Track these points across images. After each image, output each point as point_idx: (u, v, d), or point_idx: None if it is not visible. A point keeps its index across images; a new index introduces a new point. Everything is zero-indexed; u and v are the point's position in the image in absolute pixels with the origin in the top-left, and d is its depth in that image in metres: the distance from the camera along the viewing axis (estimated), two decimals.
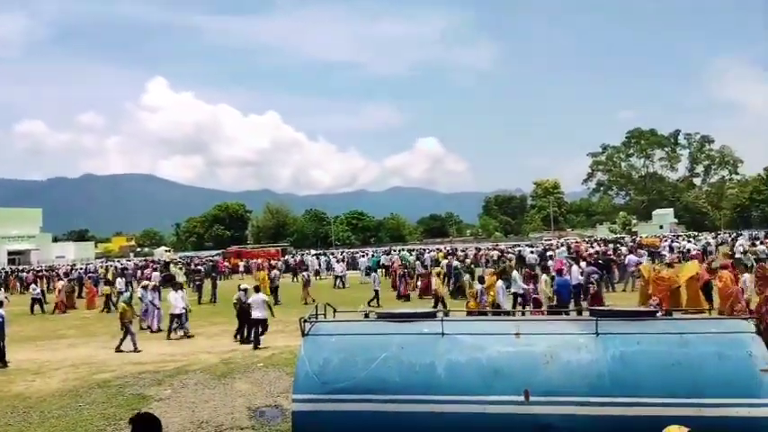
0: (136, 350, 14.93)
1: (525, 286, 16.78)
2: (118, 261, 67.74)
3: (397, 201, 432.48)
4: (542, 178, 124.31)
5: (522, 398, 4.82)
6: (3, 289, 30.98)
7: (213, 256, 66.77)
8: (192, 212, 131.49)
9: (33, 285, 28.55)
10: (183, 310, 17.19)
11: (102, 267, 48.18)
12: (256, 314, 15.27)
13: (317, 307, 6.11)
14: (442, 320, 5.44)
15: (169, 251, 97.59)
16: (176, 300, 17.13)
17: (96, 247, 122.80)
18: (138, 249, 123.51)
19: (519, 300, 16.87)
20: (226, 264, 49.03)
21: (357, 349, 5.27)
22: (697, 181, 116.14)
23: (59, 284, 27.45)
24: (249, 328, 15.68)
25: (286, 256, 56.19)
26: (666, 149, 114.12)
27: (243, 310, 15.94)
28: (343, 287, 30.32)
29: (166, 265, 45.83)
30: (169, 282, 32.31)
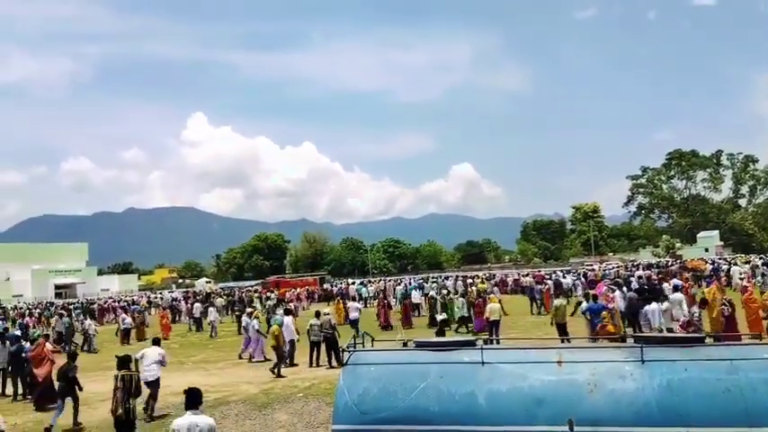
0: (279, 376, 15.30)
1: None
2: (160, 293, 69.02)
3: (433, 227, 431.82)
4: (581, 202, 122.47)
5: (566, 428, 4.70)
6: (87, 318, 32.46)
7: (253, 286, 67.50)
8: (231, 243, 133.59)
9: (124, 315, 28.91)
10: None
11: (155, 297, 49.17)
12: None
13: (354, 336, 6.11)
14: (481, 349, 5.38)
15: (210, 282, 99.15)
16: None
17: (139, 279, 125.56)
18: (180, 281, 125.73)
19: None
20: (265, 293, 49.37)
21: (396, 379, 5.24)
22: (742, 202, 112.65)
23: (161, 311, 29.91)
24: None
25: (324, 285, 56.43)
26: (709, 170, 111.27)
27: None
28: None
29: (208, 296, 46.51)
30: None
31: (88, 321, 27.07)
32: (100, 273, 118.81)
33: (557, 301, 19.15)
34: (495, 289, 35.93)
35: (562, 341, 13.51)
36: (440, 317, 22.21)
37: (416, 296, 30.19)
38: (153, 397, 11.83)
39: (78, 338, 25.43)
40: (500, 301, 21.14)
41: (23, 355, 14.19)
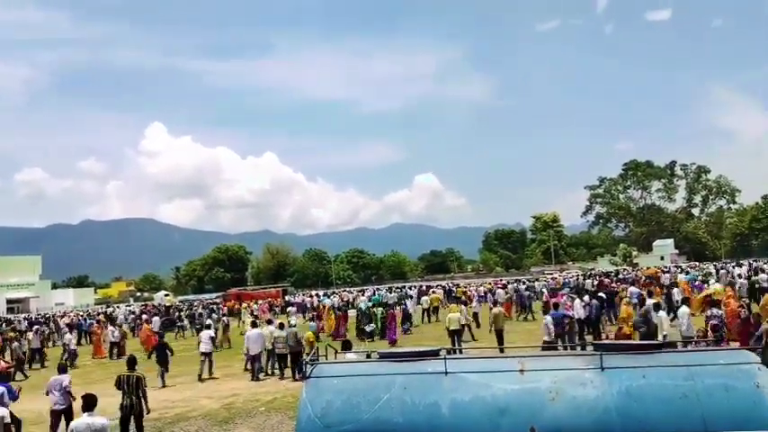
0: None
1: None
2: (118, 307, 67.24)
3: (397, 237, 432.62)
4: (541, 212, 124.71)
5: None
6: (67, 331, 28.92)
7: (214, 299, 66.37)
8: (191, 255, 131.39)
9: (112, 328, 26.92)
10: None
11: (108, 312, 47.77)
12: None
13: (317, 348, 6.04)
14: (445, 359, 5.38)
15: (168, 295, 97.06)
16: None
17: (96, 293, 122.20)
18: (138, 294, 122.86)
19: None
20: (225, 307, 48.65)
21: (360, 391, 5.19)
22: (695, 211, 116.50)
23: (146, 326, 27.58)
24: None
25: (287, 297, 55.86)
26: (663, 181, 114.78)
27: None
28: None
29: (167, 309, 45.53)
30: (169, 327, 32.11)
31: (68, 336, 25.45)
32: (54, 286, 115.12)
33: (495, 309, 19.69)
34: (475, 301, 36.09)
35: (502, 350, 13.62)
36: (368, 328, 22.24)
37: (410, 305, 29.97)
38: None
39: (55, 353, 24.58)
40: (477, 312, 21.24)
41: None
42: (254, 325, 18.34)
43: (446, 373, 5.18)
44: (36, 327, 28.97)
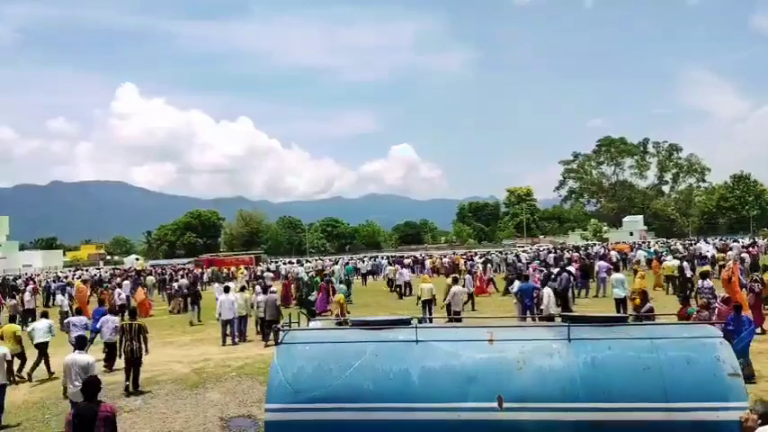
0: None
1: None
2: (86, 269, 66.38)
3: (372, 208, 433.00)
4: (515, 186, 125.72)
5: (495, 404, 4.83)
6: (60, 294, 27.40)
7: (185, 265, 65.90)
8: (163, 220, 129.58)
9: (119, 290, 25.10)
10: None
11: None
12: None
13: (290, 315, 6.06)
14: (416, 327, 5.44)
15: (139, 259, 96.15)
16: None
17: (65, 255, 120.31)
18: (108, 257, 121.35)
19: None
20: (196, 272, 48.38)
21: (331, 357, 5.23)
22: (666, 189, 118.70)
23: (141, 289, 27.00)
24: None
25: (261, 265, 55.71)
26: (636, 158, 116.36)
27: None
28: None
29: (138, 273, 45.11)
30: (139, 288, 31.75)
31: (60, 297, 24.80)
32: (22, 248, 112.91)
33: (454, 287, 17.61)
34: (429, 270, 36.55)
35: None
36: (312, 297, 22.35)
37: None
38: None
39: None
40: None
41: None
42: (226, 290, 18.29)
43: (417, 341, 5.24)
44: (32, 287, 28.38)
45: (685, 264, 23.21)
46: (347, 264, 41.44)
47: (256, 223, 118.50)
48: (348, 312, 18.46)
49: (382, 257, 51.68)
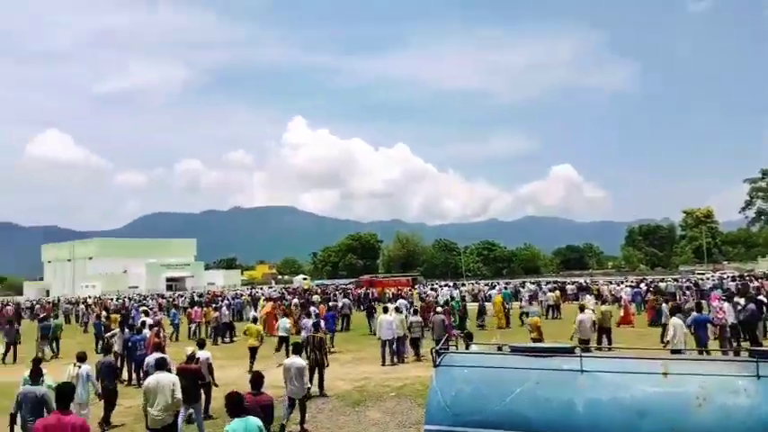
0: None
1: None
2: (260, 288, 71.93)
3: (530, 230, 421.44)
4: (693, 207, 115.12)
5: None
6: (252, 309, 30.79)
7: (346, 285, 68.87)
8: (328, 242, 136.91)
9: (313, 308, 24.73)
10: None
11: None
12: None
13: (447, 338, 6.09)
14: (580, 356, 5.20)
15: (306, 279, 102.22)
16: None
17: (242, 274, 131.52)
18: (279, 277, 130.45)
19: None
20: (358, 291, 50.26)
21: (491, 382, 5.17)
22: None
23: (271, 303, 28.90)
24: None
25: (417, 287, 56.53)
26: None
27: None
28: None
29: (304, 292, 47.97)
30: (306, 309, 33.71)
31: (252, 312, 26.48)
32: (207, 267, 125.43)
33: (603, 307, 19.10)
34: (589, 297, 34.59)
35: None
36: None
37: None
38: None
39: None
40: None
41: (135, 343, 15.10)
42: (385, 311, 18.80)
43: (582, 371, 5.00)
44: (228, 302, 31.53)
45: None
46: (505, 288, 40.57)
47: (413, 245, 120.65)
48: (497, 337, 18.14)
49: (545, 282, 49.88)
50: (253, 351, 16.85)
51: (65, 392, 6.59)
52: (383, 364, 16.92)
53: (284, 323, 18.64)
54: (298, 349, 11.37)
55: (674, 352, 11.88)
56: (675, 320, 13.24)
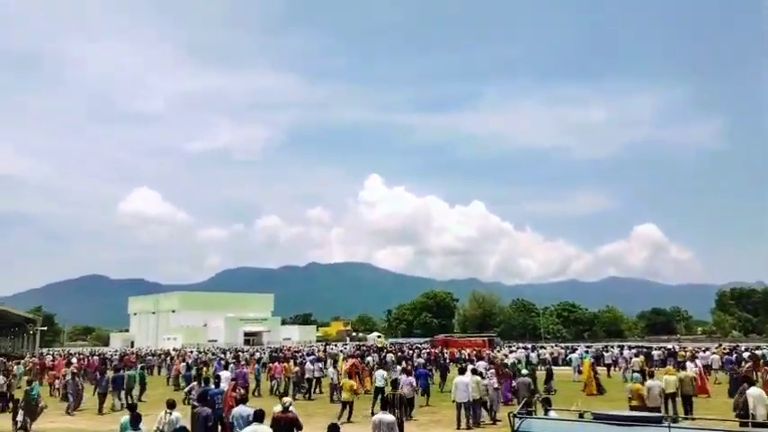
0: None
1: None
2: (335, 345, 72.24)
3: (613, 292, 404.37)
4: None
5: None
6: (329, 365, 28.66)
7: (422, 344, 68.02)
8: (402, 299, 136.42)
9: (309, 365, 25.30)
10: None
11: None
12: None
13: (526, 402, 5.96)
14: (669, 427, 4.98)
15: (380, 337, 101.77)
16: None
17: (317, 330, 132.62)
18: (354, 334, 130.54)
19: None
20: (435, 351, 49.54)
21: None
22: None
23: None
24: None
25: (495, 349, 55.08)
26: None
27: None
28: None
29: (379, 350, 47.76)
30: (382, 366, 33.56)
31: (331, 369, 25.78)
32: (283, 322, 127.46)
33: (682, 373, 18.37)
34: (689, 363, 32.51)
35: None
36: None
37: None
38: None
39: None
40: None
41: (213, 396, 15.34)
42: (461, 372, 18.45)
43: None
44: (314, 357, 30.80)
45: None
46: (586, 352, 38.87)
47: (489, 305, 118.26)
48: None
49: (627, 347, 47.40)
50: (344, 405, 17.77)
51: None
52: (458, 428, 16.49)
53: (380, 374, 19.76)
54: (385, 405, 11.74)
55: (755, 426, 11.26)
56: (754, 391, 12.87)
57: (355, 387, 18.98)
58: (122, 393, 22.05)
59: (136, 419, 9.17)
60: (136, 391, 23.43)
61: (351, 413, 17.71)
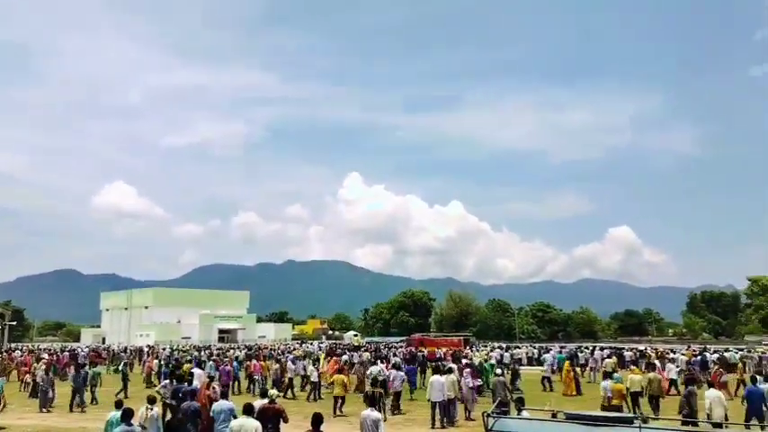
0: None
1: None
2: (310, 343, 71.92)
3: (587, 293, 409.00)
4: (759, 274, 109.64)
5: None
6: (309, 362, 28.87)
7: (398, 343, 68.03)
8: (380, 298, 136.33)
9: (303, 363, 26.57)
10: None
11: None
12: None
13: (500, 402, 5.99)
14: (639, 427, 5.05)
15: (357, 336, 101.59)
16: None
17: (293, 328, 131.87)
18: (330, 332, 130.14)
19: None
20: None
21: None
22: None
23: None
24: None
25: (468, 347, 55.30)
26: None
27: None
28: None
29: (356, 348, 47.71)
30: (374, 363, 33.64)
31: (311, 368, 25.03)
32: (258, 320, 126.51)
33: (651, 374, 18.87)
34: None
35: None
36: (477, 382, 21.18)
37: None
38: None
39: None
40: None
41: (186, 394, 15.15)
42: (436, 371, 18.50)
43: None
44: (290, 356, 30.52)
45: None
46: (559, 352, 39.28)
47: (466, 305, 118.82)
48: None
49: (599, 348, 48.00)
50: (336, 400, 18.85)
51: None
52: (432, 427, 16.55)
53: (377, 369, 20.61)
54: (372, 401, 11.72)
55: (715, 426, 11.90)
56: (711, 393, 13.48)
57: (346, 381, 19.85)
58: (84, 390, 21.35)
59: (127, 415, 9.11)
60: (114, 389, 23.22)
61: (341, 406, 18.83)
